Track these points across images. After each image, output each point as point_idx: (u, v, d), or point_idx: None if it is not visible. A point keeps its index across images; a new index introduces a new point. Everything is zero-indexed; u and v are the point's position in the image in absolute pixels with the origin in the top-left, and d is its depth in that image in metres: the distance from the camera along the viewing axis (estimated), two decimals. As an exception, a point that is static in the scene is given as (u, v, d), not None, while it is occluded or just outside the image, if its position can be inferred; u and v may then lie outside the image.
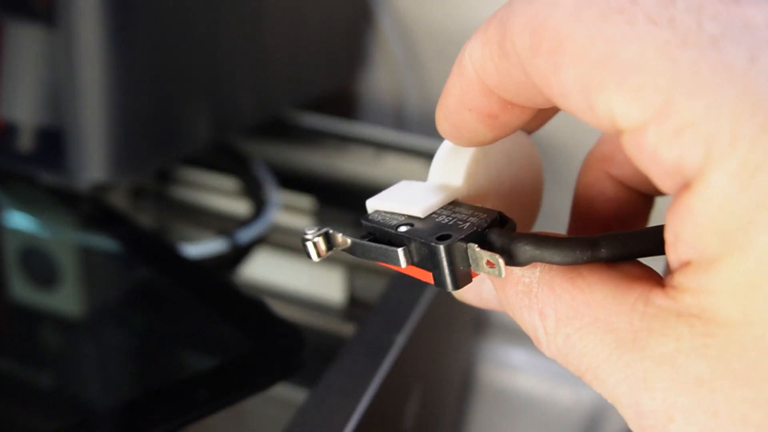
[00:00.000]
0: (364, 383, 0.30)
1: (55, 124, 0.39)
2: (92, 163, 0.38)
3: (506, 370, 0.62)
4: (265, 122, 0.54)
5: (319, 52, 0.57)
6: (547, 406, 0.61)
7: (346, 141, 0.57)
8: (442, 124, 0.20)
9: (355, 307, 0.47)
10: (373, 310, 0.35)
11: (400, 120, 0.65)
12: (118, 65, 0.37)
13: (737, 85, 0.14)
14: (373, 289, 0.47)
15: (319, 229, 0.20)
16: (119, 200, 0.52)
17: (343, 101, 0.66)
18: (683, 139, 0.14)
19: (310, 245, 0.20)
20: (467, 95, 0.19)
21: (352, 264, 0.48)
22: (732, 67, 0.14)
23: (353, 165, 0.57)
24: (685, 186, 0.15)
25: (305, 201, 0.52)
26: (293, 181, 0.55)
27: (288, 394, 0.35)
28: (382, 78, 0.65)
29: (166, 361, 0.36)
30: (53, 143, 0.39)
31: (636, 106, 0.15)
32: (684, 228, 0.15)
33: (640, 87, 0.15)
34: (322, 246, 0.20)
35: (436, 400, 0.48)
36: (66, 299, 0.41)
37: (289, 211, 0.52)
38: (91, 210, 0.45)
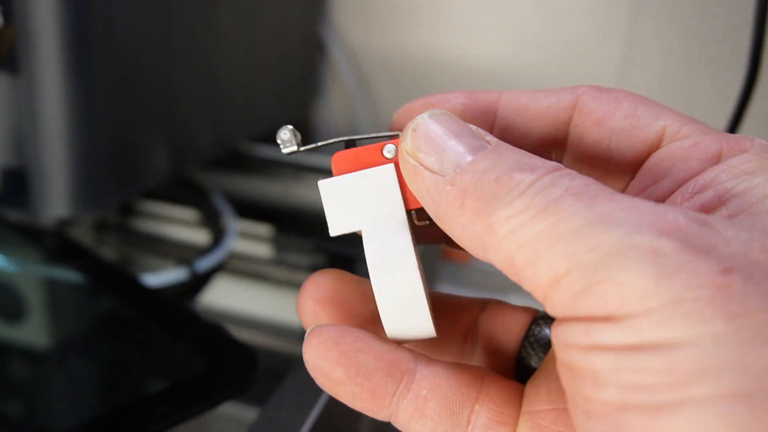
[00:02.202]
0: (314, 397, 0.31)
1: (20, 165, 0.40)
2: (55, 199, 0.40)
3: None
4: (222, 154, 0.55)
5: (274, 85, 0.59)
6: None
7: (301, 170, 0.59)
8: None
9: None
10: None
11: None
12: (78, 107, 0.39)
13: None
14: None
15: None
16: (83, 234, 0.53)
17: (299, 130, 0.67)
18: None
19: (287, 132, 0.22)
20: None
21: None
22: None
23: (309, 193, 0.59)
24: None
25: (263, 229, 0.54)
26: (251, 210, 0.56)
27: (242, 413, 0.36)
28: (336, 107, 0.67)
29: (129, 383, 0.37)
30: (18, 182, 0.40)
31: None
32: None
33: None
34: (299, 136, 0.22)
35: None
36: (33, 332, 0.41)
37: (247, 239, 0.54)
38: (55, 244, 0.46)
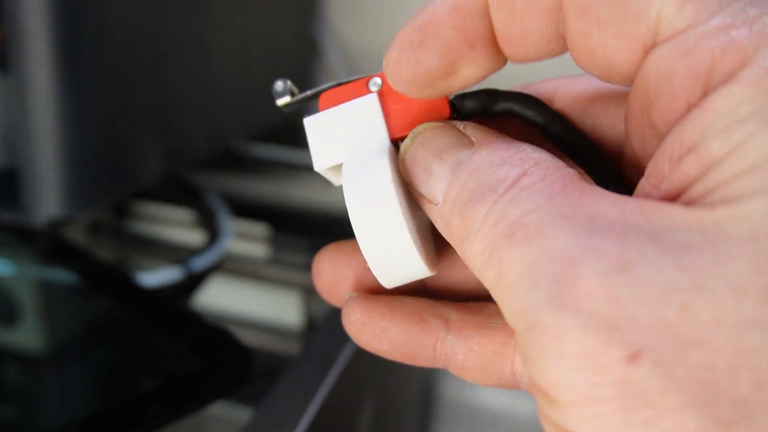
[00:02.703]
0: (309, 397, 0.31)
1: (11, 164, 0.40)
2: (48, 199, 0.40)
3: (467, 383, 0.63)
4: (217, 154, 0.55)
5: (267, 84, 0.58)
6: (508, 420, 0.62)
7: (296, 169, 0.59)
8: (414, 49, 0.19)
9: (310, 329, 0.49)
10: (319, 326, 0.37)
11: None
12: (70, 106, 0.39)
13: None
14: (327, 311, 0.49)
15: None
16: (77, 235, 0.53)
17: (293, 130, 0.67)
18: (723, 37, 0.14)
19: (281, 84, 0.22)
20: (463, 11, 0.18)
21: (307, 288, 0.50)
22: None
23: (304, 192, 0.58)
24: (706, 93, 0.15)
25: (258, 228, 0.54)
26: (246, 209, 0.56)
27: (236, 413, 0.36)
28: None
29: (125, 384, 0.37)
30: (9, 182, 0.40)
31: (685, 11, 0.15)
32: (706, 128, 0.15)
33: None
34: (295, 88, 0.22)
35: (393, 412, 0.49)
36: (27, 335, 0.41)
37: (243, 239, 0.54)
38: (49, 245, 0.46)
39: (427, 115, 0.21)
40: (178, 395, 0.31)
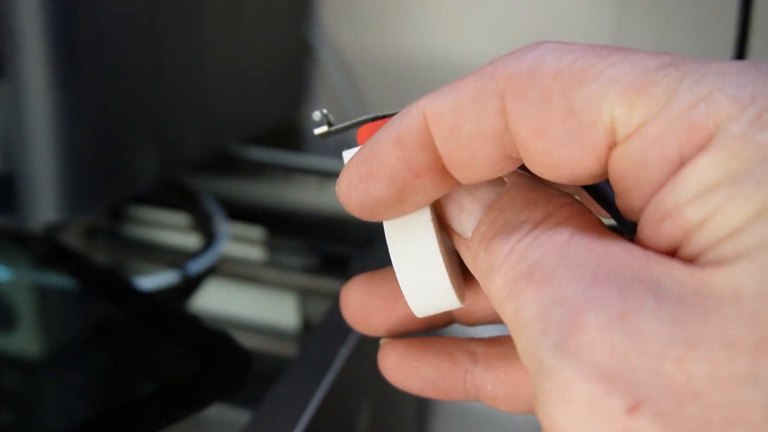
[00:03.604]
0: (307, 400, 0.31)
1: (6, 170, 0.40)
2: (44, 204, 0.40)
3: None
4: (212, 157, 0.55)
5: (262, 87, 0.59)
6: (505, 421, 0.62)
7: (291, 172, 0.59)
8: (375, 187, 0.19)
9: (307, 331, 0.49)
10: (316, 328, 0.37)
11: (343, 148, 0.67)
12: (65, 111, 0.39)
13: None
14: (324, 313, 0.49)
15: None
16: (73, 240, 0.53)
17: (288, 133, 0.67)
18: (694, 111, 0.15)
19: (318, 114, 0.22)
20: (408, 148, 0.18)
21: (303, 290, 0.50)
22: None
23: (300, 194, 0.59)
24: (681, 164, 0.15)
25: (255, 231, 0.54)
26: (242, 212, 0.56)
27: (234, 416, 0.36)
28: (325, 109, 0.67)
29: (123, 388, 0.37)
30: (5, 187, 0.40)
31: (638, 109, 0.16)
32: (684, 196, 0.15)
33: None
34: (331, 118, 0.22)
35: (391, 413, 0.49)
36: (25, 340, 0.41)
37: (239, 242, 0.54)
38: (45, 250, 0.46)
39: None
40: (176, 398, 0.32)
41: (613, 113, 0.16)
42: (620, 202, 0.18)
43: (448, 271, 0.20)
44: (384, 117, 0.22)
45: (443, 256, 0.20)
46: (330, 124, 0.22)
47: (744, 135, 0.15)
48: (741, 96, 0.15)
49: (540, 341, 0.15)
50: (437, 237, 0.20)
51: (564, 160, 0.17)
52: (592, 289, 0.15)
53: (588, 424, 0.14)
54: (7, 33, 0.37)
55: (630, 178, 0.17)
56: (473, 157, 0.18)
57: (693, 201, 0.15)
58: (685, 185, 0.15)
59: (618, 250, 0.16)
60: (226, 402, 0.37)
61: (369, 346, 0.39)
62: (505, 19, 0.62)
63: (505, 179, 0.20)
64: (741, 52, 0.41)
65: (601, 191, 0.20)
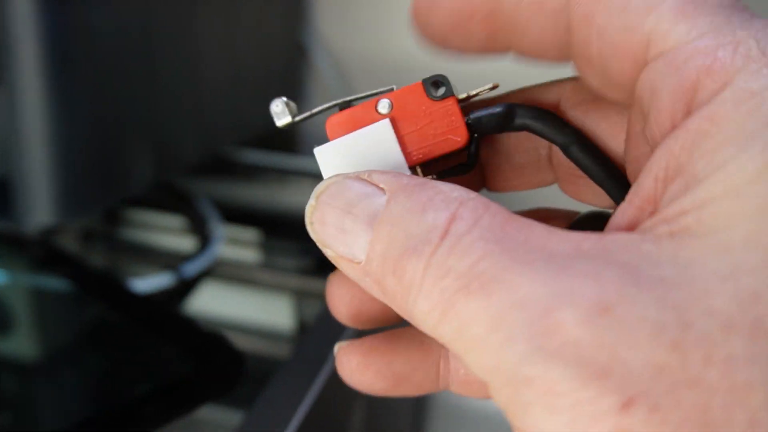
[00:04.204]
0: (300, 399, 0.31)
1: (3, 174, 0.40)
2: (39, 207, 0.40)
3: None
4: (207, 160, 0.55)
5: (257, 90, 0.59)
6: (500, 421, 0.62)
7: (286, 174, 0.59)
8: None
9: (301, 333, 0.49)
10: (310, 329, 0.37)
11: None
12: (60, 115, 0.39)
13: None
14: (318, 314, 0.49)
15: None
16: (69, 244, 0.53)
17: (282, 136, 0.68)
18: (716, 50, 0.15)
19: (279, 104, 0.21)
20: None
21: (298, 292, 0.50)
22: None
23: (295, 196, 0.59)
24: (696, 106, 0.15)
25: (249, 234, 0.54)
26: (237, 215, 0.56)
27: (227, 417, 0.36)
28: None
29: (119, 390, 0.37)
30: (1, 191, 0.40)
31: (681, 27, 0.15)
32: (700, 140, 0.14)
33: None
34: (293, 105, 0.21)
35: (385, 414, 0.49)
36: (21, 343, 0.41)
37: (234, 244, 0.54)
38: (41, 253, 0.46)
39: (444, 137, 0.20)
40: (170, 398, 0.32)
41: (655, 26, 0.16)
42: (631, 153, 0.17)
43: None
44: (350, 102, 0.21)
45: None
46: (293, 114, 0.21)
47: (762, 93, 0.14)
48: None
49: (506, 352, 0.14)
50: None
51: (597, 56, 0.17)
52: (556, 284, 0.14)
53: (578, 429, 0.13)
54: (2, 39, 0.37)
55: (647, 106, 0.16)
56: (525, 28, 0.18)
57: (704, 155, 0.14)
58: (696, 137, 0.15)
59: (560, 239, 0.15)
60: (219, 402, 0.37)
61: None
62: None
63: (382, 185, 0.17)
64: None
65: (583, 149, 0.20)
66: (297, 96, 0.66)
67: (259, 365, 0.45)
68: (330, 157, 0.20)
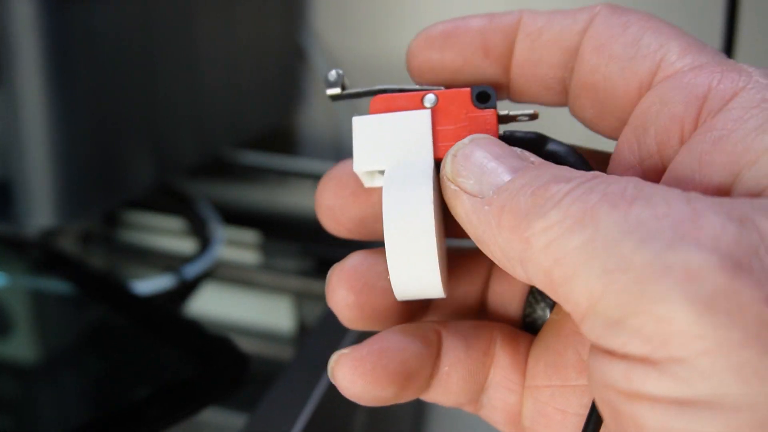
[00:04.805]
0: (303, 401, 0.31)
1: (2, 176, 0.40)
2: (39, 210, 0.40)
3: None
4: (207, 162, 0.55)
5: (255, 92, 0.59)
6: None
7: (286, 175, 0.59)
8: None
9: (303, 334, 0.49)
10: (312, 331, 0.37)
11: (337, 151, 0.67)
12: (60, 117, 0.39)
13: None
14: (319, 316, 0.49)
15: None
16: (69, 246, 0.53)
17: (282, 137, 0.68)
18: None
19: (334, 74, 0.22)
20: None
21: (299, 293, 0.50)
22: None
23: (295, 198, 0.59)
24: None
25: (250, 235, 0.54)
26: (237, 217, 0.56)
27: (230, 420, 0.36)
28: (318, 112, 0.68)
29: (121, 392, 0.37)
30: (1, 193, 0.40)
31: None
32: None
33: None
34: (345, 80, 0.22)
35: (387, 415, 0.49)
36: (21, 346, 0.41)
37: (234, 246, 0.54)
38: (41, 255, 0.46)
39: None
40: (174, 400, 0.32)
41: (665, 55, 0.19)
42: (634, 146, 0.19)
43: (438, 256, 0.20)
44: (397, 90, 0.22)
45: (437, 243, 0.20)
46: (344, 87, 0.22)
47: None
48: None
49: (643, 249, 0.14)
50: (436, 222, 0.20)
51: (603, 79, 0.20)
52: (695, 206, 0.15)
53: (722, 318, 0.13)
54: (3, 41, 0.37)
55: (652, 115, 0.19)
56: (538, 61, 0.21)
57: (752, 131, 0.16)
58: (704, 133, 0.17)
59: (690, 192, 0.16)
60: (222, 405, 0.37)
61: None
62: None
63: (533, 160, 0.19)
64: (729, 48, 0.42)
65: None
66: (295, 97, 0.66)
67: (260, 367, 0.45)
68: (365, 128, 0.21)
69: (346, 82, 0.22)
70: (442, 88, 0.21)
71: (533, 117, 0.22)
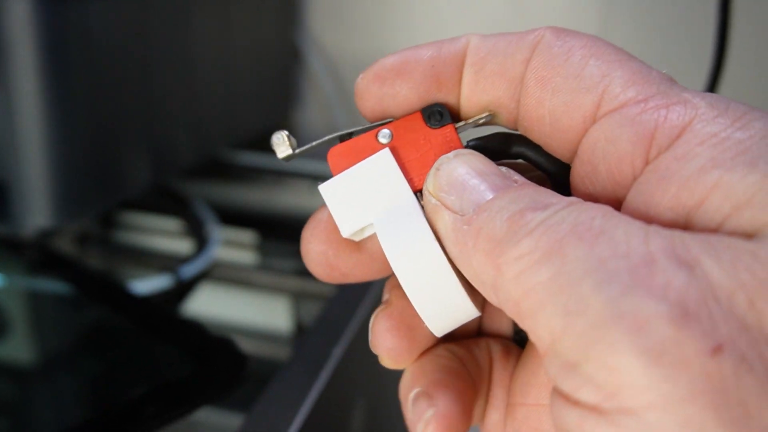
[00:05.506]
0: (300, 400, 0.31)
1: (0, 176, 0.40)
2: (36, 210, 0.40)
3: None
4: (203, 163, 0.55)
5: (252, 93, 0.59)
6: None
7: (282, 176, 0.59)
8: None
9: (299, 334, 0.49)
10: (309, 330, 0.37)
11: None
12: (57, 118, 0.39)
13: None
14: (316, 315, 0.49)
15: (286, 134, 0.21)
16: (65, 247, 0.53)
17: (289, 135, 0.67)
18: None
19: (280, 137, 0.21)
20: None
21: (295, 293, 0.50)
22: None
23: (291, 198, 0.59)
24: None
25: (246, 236, 0.54)
26: (233, 217, 0.56)
27: (227, 419, 0.36)
28: (314, 113, 0.68)
29: (118, 392, 0.37)
30: (-2, 195, 0.40)
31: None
32: None
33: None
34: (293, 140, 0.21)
35: (385, 414, 0.49)
36: (18, 346, 0.41)
37: (230, 246, 0.54)
38: (38, 255, 0.46)
39: None
40: (171, 399, 0.32)
41: (607, 88, 0.18)
42: (584, 181, 0.19)
43: (459, 280, 0.19)
44: (350, 135, 0.21)
45: (450, 263, 0.19)
46: (293, 147, 0.21)
47: (719, 133, 0.16)
48: (717, 105, 0.17)
49: (601, 291, 0.14)
50: (440, 245, 0.19)
51: (549, 112, 0.19)
52: (651, 248, 0.15)
53: (665, 371, 0.13)
54: (-1, 41, 0.37)
55: (600, 155, 0.18)
56: (482, 92, 0.20)
57: (698, 171, 0.16)
58: (655, 173, 0.17)
59: (650, 225, 0.16)
60: (219, 404, 0.37)
61: (361, 347, 0.39)
62: (490, 23, 0.62)
63: (515, 179, 0.19)
64: (721, 51, 0.42)
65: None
66: (291, 97, 0.66)
67: (258, 367, 0.45)
68: (335, 192, 0.20)
69: (293, 141, 0.21)
70: (392, 119, 0.21)
71: (489, 119, 0.21)
